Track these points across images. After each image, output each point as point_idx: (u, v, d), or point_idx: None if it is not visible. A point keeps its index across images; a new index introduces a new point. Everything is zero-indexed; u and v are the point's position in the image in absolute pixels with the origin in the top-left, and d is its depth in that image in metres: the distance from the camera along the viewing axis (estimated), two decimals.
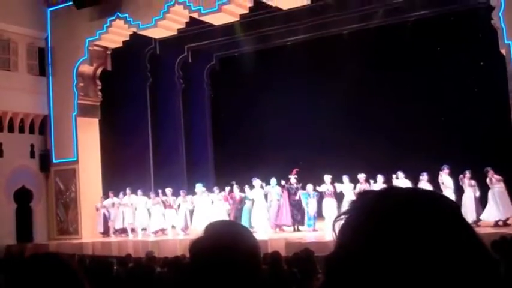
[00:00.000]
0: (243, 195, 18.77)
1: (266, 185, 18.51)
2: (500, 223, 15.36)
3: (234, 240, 1.77)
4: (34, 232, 21.42)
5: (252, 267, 1.76)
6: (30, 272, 1.78)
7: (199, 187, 19.39)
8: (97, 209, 20.85)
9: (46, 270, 1.78)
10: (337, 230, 0.96)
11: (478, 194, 15.72)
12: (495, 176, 15.54)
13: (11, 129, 21.44)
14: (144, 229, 20.09)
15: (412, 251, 0.86)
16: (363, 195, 0.99)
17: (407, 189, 0.96)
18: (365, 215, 0.93)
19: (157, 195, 19.89)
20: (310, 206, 17.68)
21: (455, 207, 0.95)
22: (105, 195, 20.96)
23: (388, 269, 0.87)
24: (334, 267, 0.93)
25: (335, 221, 0.97)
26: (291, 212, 18.24)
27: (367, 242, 0.89)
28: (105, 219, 20.81)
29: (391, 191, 0.96)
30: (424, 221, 0.89)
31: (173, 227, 19.65)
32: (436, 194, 0.97)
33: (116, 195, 20.57)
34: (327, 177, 17.59)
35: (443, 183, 15.86)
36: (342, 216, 0.96)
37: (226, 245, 1.75)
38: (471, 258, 0.88)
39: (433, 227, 0.88)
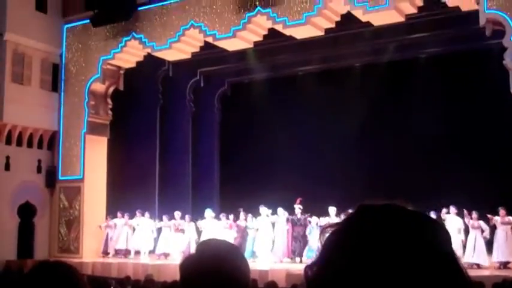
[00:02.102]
0: (245, 224, 18.64)
1: (272, 213, 18.39)
2: (500, 266, 15.26)
3: (222, 258, 1.79)
4: (35, 248, 21.31)
5: (240, 284, 1.75)
6: (40, 277, 1.81)
7: (208, 212, 19.26)
8: (100, 228, 20.81)
9: (56, 276, 1.81)
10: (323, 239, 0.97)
11: (486, 234, 15.55)
12: (506, 217, 15.43)
13: (19, 143, 21.47)
14: (145, 252, 20.00)
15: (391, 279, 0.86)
16: (359, 210, 0.96)
17: (407, 212, 0.94)
18: (349, 232, 0.93)
19: (170, 218, 19.91)
20: (312, 238, 17.49)
21: (448, 241, 0.94)
22: (112, 215, 20.92)
23: None
24: (312, 277, 0.94)
25: (324, 228, 0.98)
26: (291, 244, 18.08)
27: (344, 260, 0.89)
28: (107, 239, 20.78)
29: (388, 212, 0.94)
30: (413, 252, 0.88)
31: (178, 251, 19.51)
32: (435, 222, 0.95)
33: (122, 215, 20.60)
34: (332, 209, 17.44)
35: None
36: (332, 228, 0.96)
37: (214, 263, 1.76)
38: None
39: (421, 260, 0.88)
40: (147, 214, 20.40)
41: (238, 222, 18.81)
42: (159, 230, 20.15)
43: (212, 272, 1.73)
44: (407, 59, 21.27)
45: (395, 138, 20.37)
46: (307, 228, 17.86)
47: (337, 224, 0.97)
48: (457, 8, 17.33)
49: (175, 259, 18.94)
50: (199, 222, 19.20)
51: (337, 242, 0.93)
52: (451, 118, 19.94)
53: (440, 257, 0.89)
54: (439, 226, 0.94)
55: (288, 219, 18.16)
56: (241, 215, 18.80)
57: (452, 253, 0.91)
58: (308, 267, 0.96)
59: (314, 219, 17.70)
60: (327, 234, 0.96)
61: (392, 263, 0.86)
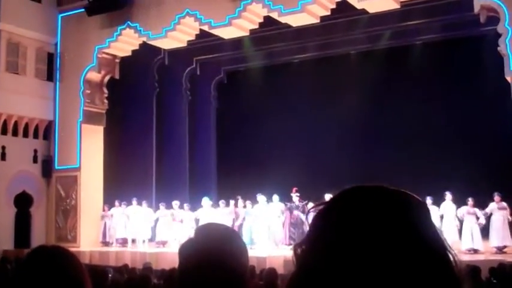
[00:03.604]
0: (243, 211, 18.67)
1: (269, 201, 18.41)
2: (497, 250, 15.36)
3: (221, 241, 1.80)
4: (32, 238, 21.30)
5: (238, 270, 1.77)
6: (36, 261, 1.82)
7: (206, 201, 19.24)
8: (102, 217, 20.78)
9: (52, 260, 1.81)
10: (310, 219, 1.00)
11: (481, 221, 15.63)
12: (502, 203, 15.50)
13: (15, 133, 21.41)
14: (145, 240, 20.01)
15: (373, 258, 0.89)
16: (344, 190, 0.99)
17: (390, 192, 0.96)
18: (335, 211, 0.96)
19: (167, 207, 19.86)
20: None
21: (429, 219, 0.96)
22: (110, 204, 20.89)
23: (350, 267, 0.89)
24: (300, 255, 0.97)
25: (312, 208, 1.01)
26: (289, 232, 18.13)
27: (330, 238, 0.92)
28: (104, 229, 20.76)
29: (372, 192, 0.96)
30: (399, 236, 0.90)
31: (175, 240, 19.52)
32: (415, 200, 0.97)
33: (120, 205, 20.59)
34: (328, 197, 17.40)
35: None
36: (318, 207, 0.99)
37: (213, 247, 1.77)
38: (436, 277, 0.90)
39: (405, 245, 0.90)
40: (144, 203, 20.33)
41: (236, 209, 18.83)
42: (157, 219, 20.12)
43: (211, 255, 1.73)
44: (402, 46, 21.34)
45: (391, 125, 20.42)
46: (301, 214, 17.87)
47: (323, 203, 0.99)
48: None
49: (174, 247, 18.96)
50: (197, 212, 19.16)
51: (323, 220, 0.96)
52: (446, 104, 19.97)
53: (421, 234, 0.92)
54: (420, 204, 0.96)
55: (286, 206, 18.18)
56: (240, 202, 18.83)
57: (435, 231, 0.95)
58: (297, 246, 0.99)
59: (310, 206, 17.70)
60: (314, 214, 0.99)
61: (375, 240, 0.89)
